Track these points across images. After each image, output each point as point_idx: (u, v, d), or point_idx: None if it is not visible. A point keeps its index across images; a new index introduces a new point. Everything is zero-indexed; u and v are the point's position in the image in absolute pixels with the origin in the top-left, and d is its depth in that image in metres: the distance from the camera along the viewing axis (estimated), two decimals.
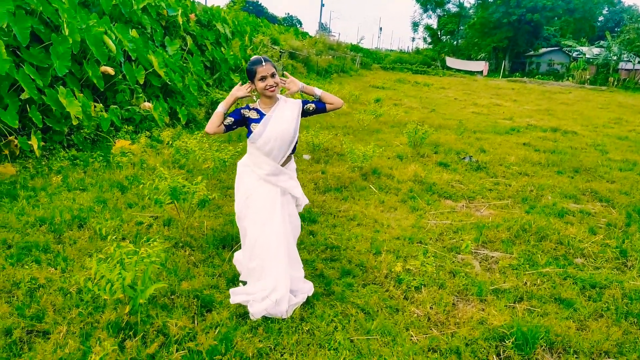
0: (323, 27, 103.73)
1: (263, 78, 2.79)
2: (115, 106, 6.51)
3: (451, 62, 46.04)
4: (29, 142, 5.08)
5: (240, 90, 2.90)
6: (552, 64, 45.49)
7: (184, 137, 5.51)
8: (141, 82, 7.03)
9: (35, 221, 3.84)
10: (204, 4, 14.20)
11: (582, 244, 4.36)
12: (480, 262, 3.92)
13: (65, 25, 6.15)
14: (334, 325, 2.85)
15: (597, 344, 2.84)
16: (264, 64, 2.79)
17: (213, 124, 2.83)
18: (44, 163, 5.14)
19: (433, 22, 54.42)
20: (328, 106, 3.02)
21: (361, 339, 2.75)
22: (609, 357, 2.78)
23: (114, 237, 3.30)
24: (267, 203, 2.94)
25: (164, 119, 7.14)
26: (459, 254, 4.05)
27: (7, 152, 5.05)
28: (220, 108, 2.87)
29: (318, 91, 3.04)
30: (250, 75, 2.85)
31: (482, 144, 9.04)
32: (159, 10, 9.30)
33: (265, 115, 2.89)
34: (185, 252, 3.63)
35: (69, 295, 2.79)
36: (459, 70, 42.30)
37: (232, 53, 10.93)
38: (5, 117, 5.01)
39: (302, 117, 3.01)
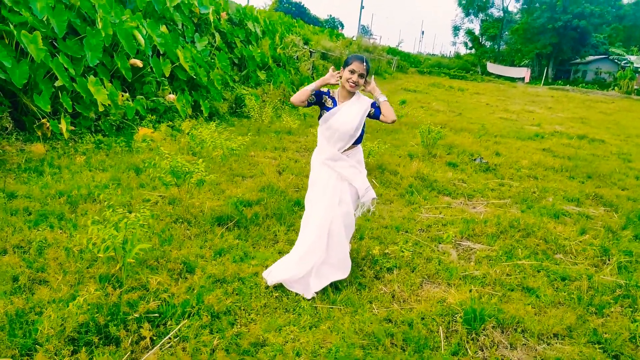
0: (364, 30, 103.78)
1: (352, 72, 3.08)
2: (141, 96, 7.00)
3: (492, 67, 45.30)
4: (59, 126, 5.59)
5: (332, 77, 3.17)
6: (599, 72, 44.03)
7: (199, 127, 5.90)
8: (167, 75, 7.50)
9: (55, 194, 4.29)
10: (239, 2, 14.71)
11: (567, 241, 4.46)
12: (458, 252, 4.10)
13: (99, 20, 6.67)
14: (302, 295, 3.12)
15: (548, 327, 3.00)
16: (363, 63, 3.08)
17: (299, 98, 3.15)
18: (71, 145, 5.64)
19: (475, 27, 53.62)
20: (381, 117, 3.22)
21: (324, 307, 3.01)
22: (557, 339, 2.94)
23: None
24: (322, 185, 3.23)
25: (187, 111, 7.59)
26: (441, 243, 4.24)
27: (39, 133, 5.57)
28: (310, 87, 3.17)
29: (382, 97, 3.23)
30: (345, 63, 3.14)
31: (498, 147, 9.08)
32: (191, 8, 9.81)
33: (337, 105, 3.20)
34: (182, 227, 3.99)
35: (71, 253, 3.18)
36: (499, 77, 41.60)
37: (259, 51, 11.34)
38: (39, 102, 5.53)
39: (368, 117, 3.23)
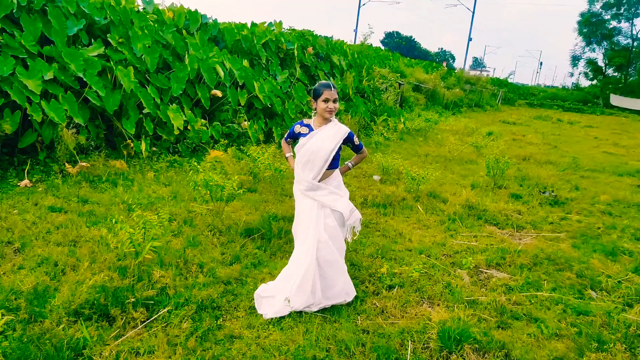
0: (477, 62, 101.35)
1: (326, 100, 3.27)
2: (217, 123, 7.79)
3: (616, 100, 41.32)
4: (140, 146, 6.48)
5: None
6: None
7: (257, 150, 6.43)
8: (242, 104, 8.25)
9: (119, 202, 5.01)
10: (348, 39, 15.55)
11: (607, 279, 4.11)
12: (473, 279, 4.00)
13: (186, 56, 7.64)
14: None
15: (536, 357, 2.87)
16: (332, 89, 3.28)
17: (284, 149, 3.76)
18: (148, 163, 6.49)
19: (597, 56, 49.55)
20: (358, 156, 3.70)
21: (310, 314, 3.19)
22: None
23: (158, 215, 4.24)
24: (307, 219, 3.31)
25: (258, 137, 8.23)
26: (460, 269, 4.17)
27: (125, 152, 6.50)
28: (284, 148, 3.76)
29: (350, 164, 3.69)
30: (315, 95, 3.32)
31: (581, 181, 8.45)
32: (278, 44, 10.68)
33: (314, 130, 3.39)
34: (213, 235, 4.43)
35: (105, 246, 3.74)
36: (624, 110, 37.81)
37: (340, 82, 11.86)
38: (127, 125, 6.49)
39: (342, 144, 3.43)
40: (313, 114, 3.48)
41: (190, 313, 3.02)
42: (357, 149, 3.60)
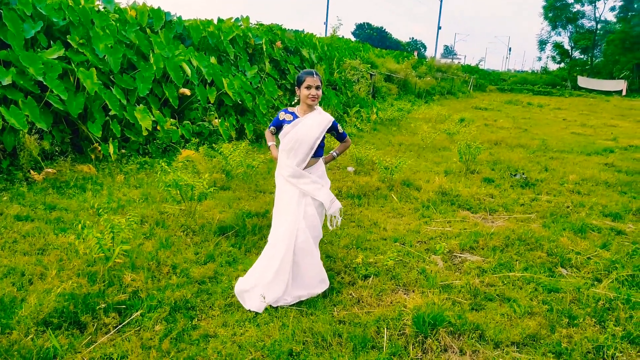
0: (448, 50, 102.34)
1: (309, 87, 3.31)
2: (187, 122, 7.68)
3: (584, 81, 42.36)
4: (108, 149, 6.34)
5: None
6: None
7: (229, 147, 6.36)
8: (212, 101, 8.15)
9: (88, 207, 4.90)
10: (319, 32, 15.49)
11: (577, 256, 4.21)
12: (448, 263, 4.05)
13: (151, 55, 7.49)
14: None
15: (510, 336, 2.92)
16: (314, 76, 3.32)
17: (267, 138, 3.73)
18: (117, 166, 6.36)
19: (563, 40, 50.57)
20: (343, 145, 3.77)
21: (285, 308, 3.18)
22: (516, 347, 2.85)
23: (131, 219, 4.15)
24: (287, 205, 3.36)
25: (230, 133, 8.15)
26: (435, 254, 4.21)
27: (92, 156, 6.36)
28: (268, 137, 3.72)
29: (335, 153, 3.71)
30: (298, 82, 3.37)
31: (551, 163, 8.63)
32: (246, 40, 10.57)
33: (298, 118, 3.42)
34: (187, 235, 4.37)
35: (74, 253, 3.66)
36: (591, 91, 38.76)
37: None
38: (92, 129, 6.34)
39: (327, 132, 3.49)
40: (296, 101, 3.54)
41: (163, 315, 2.97)
42: (341, 137, 3.67)
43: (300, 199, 3.36)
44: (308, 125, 3.37)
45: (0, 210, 4.59)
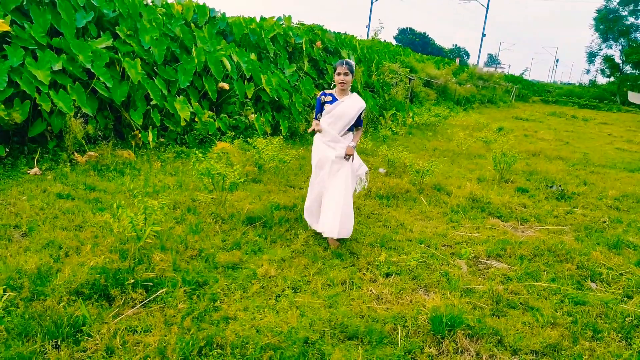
0: (492, 59, 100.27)
1: (339, 73, 4.05)
2: (224, 115, 7.86)
3: (634, 97, 40.68)
4: (148, 137, 6.57)
5: (316, 125, 4.19)
6: None
7: (263, 142, 6.49)
8: (250, 96, 8.31)
9: (125, 190, 5.10)
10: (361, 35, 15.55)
11: (609, 271, 4.09)
12: (472, 268, 4.01)
13: (194, 49, 7.71)
14: (296, 284, 3.39)
15: (529, 344, 2.88)
16: (343, 65, 4.03)
17: (313, 122, 4.31)
18: (155, 153, 6.58)
19: (614, 53, 48.66)
20: (357, 134, 4.34)
21: (306, 296, 3.23)
22: (535, 356, 2.81)
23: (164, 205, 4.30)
24: (325, 159, 4.18)
25: (265, 129, 8.29)
26: (459, 258, 4.18)
27: (133, 142, 6.60)
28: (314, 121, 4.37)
29: (352, 144, 4.20)
30: (334, 70, 4.15)
31: (590, 177, 8.37)
32: (286, 38, 10.71)
33: (338, 100, 4.13)
34: (216, 223, 4.49)
35: (108, 231, 3.82)
36: None
37: None
38: (134, 116, 6.58)
39: None
40: (332, 85, 4.23)
41: (187, 295, 3.08)
42: (359, 122, 4.31)
43: (337, 160, 4.14)
44: (348, 105, 4.13)
45: (44, 188, 4.84)
